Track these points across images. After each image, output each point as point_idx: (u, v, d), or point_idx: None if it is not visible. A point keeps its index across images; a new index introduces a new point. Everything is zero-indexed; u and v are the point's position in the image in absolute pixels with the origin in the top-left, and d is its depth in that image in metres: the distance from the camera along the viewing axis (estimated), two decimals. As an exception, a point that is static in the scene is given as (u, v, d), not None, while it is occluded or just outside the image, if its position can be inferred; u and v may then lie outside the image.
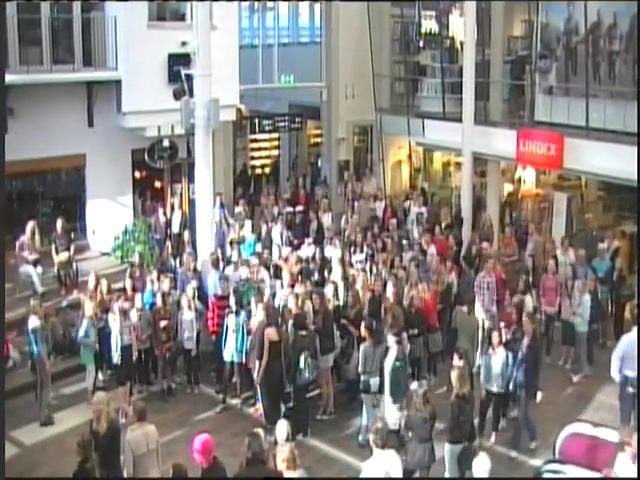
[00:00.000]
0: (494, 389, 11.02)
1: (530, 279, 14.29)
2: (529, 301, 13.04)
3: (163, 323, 12.50)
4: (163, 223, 17.48)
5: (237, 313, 12.08)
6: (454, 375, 9.56)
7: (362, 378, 10.93)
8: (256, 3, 21.80)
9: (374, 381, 10.79)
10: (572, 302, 13.42)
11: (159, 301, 12.63)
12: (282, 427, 8.59)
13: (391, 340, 10.73)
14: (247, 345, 11.90)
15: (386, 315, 12.13)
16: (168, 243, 16.45)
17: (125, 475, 8.54)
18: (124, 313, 12.10)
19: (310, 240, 16.20)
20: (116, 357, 12.04)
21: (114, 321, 12.02)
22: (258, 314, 11.63)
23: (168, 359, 12.74)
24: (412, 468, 9.26)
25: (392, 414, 10.33)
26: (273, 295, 13.12)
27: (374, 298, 12.76)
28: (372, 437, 8.10)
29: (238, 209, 17.97)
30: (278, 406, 11.52)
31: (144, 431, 8.53)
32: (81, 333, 12.13)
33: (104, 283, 13.13)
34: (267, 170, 24.80)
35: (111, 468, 8.69)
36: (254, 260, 14.31)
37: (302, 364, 11.13)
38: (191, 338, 12.69)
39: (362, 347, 11.05)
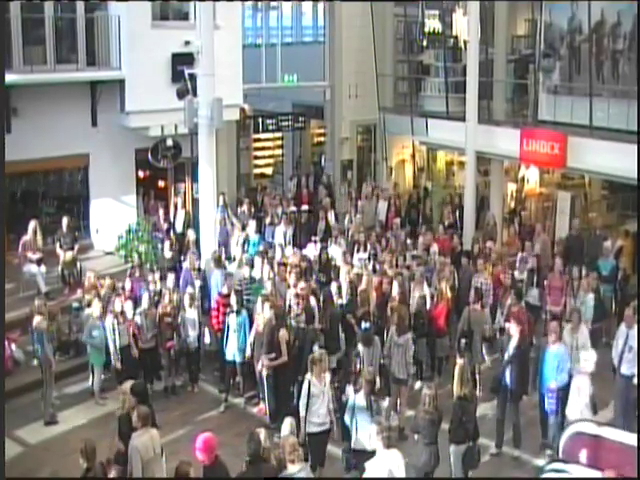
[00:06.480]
0: None
1: (535, 278, 14.31)
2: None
3: (168, 320, 12.53)
4: (165, 222, 17.47)
5: (238, 312, 12.08)
6: (456, 375, 9.55)
7: None
8: (259, 2, 21.80)
9: None
10: (575, 302, 13.40)
11: (165, 299, 12.67)
12: (287, 423, 8.74)
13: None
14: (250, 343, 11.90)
15: (392, 315, 12.07)
16: (169, 242, 16.43)
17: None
18: (122, 313, 12.15)
19: (317, 239, 16.22)
20: (115, 358, 12.07)
21: (112, 321, 12.04)
22: (265, 312, 11.62)
23: (173, 357, 12.76)
24: (417, 470, 9.23)
25: None
26: (279, 293, 13.08)
27: (382, 298, 12.75)
28: (376, 437, 8.09)
29: (242, 208, 17.96)
30: (284, 405, 11.50)
31: (150, 435, 8.43)
32: (86, 333, 12.17)
33: (105, 282, 13.18)
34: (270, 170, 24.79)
35: None
36: (258, 259, 14.31)
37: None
38: (193, 337, 12.69)
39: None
